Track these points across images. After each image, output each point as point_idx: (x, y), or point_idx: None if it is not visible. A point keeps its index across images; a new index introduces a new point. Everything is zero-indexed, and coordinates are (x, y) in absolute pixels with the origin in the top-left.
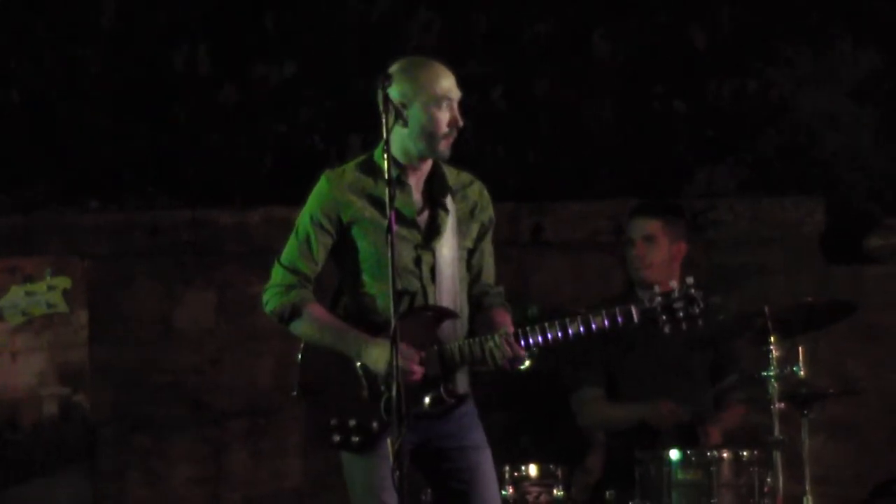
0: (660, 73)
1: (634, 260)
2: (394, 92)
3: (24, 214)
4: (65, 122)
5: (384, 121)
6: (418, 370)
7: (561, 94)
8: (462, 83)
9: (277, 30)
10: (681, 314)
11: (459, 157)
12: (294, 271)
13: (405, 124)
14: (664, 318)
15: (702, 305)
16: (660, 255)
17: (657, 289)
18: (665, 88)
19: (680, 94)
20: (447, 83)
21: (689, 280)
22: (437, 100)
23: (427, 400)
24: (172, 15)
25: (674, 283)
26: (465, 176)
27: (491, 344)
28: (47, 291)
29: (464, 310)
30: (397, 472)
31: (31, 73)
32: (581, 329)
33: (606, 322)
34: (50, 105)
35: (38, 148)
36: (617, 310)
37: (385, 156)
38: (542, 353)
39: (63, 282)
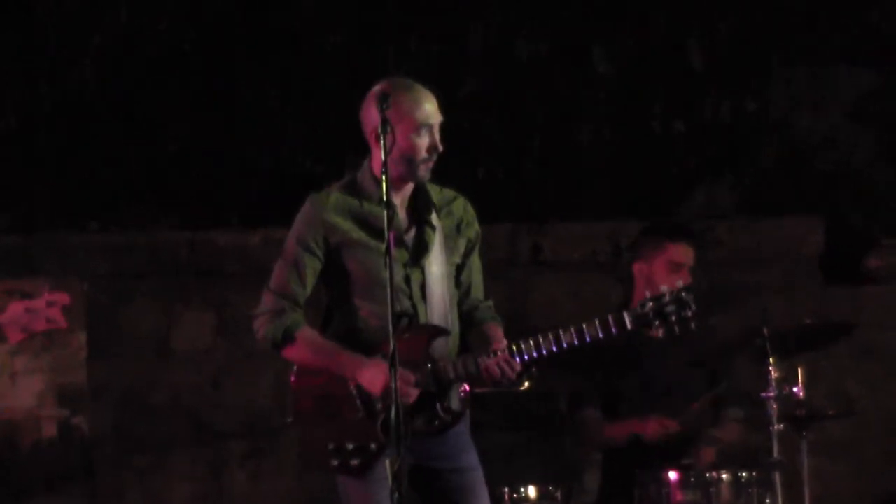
0: (658, 92)
1: (666, 278)
2: (375, 114)
3: (24, 235)
4: (63, 145)
5: (382, 143)
6: (413, 392)
7: (559, 113)
8: (459, 103)
9: (274, 51)
10: (673, 318)
11: (457, 177)
12: (284, 296)
13: None
14: (657, 322)
15: (694, 308)
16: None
17: (648, 293)
18: (663, 107)
19: (678, 113)
20: (428, 109)
21: (680, 283)
22: (418, 127)
23: (423, 418)
24: (170, 36)
25: (664, 288)
26: (449, 192)
27: (485, 358)
28: (46, 307)
29: (455, 326)
30: (396, 494)
31: (28, 97)
32: (574, 340)
33: (599, 331)
34: (48, 128)
35: (37, 169)
36: (609, 317)
37: (383, 178)
38: (540, 374)
39: (61, 297)
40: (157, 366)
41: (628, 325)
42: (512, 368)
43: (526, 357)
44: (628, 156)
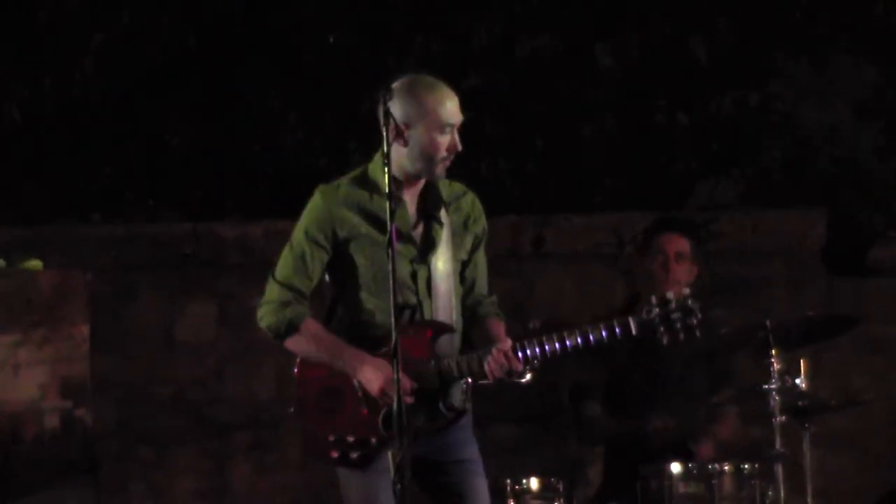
0: (662, 86)
1: (660, 273)
2: (396, 110)
3: (28, 227)
4: (67, 138)
5: (384, 135)
6: (409, 401)
7: (562, 108)
8: (463, 95)
9: (277, 45)
10: (678, 325)
11: (461, 170)
12: (289, 287)
13: (405, 144)
14: (662, 329)
15: (699, 316)
16: (685, 274)
17: (654, 300)
18: (667, 101)
19: (682, 106)
20: (451, 108)
21: (686, 291)
22: (441, 126)
23: (426, 416)
24: (173, 30)
25: (670, 295)
26: (458, 187)
27: (489, 358)
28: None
29: (458, 324)
30: (398, 486)
31: (32, 92)
32: (580, 342)
33: (605, 335)
34: (52, 121)
35: (41, 162)
36: (615, 322)
37: (385, 170)
38: (543, 367)
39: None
40: (160, 358)
41: (633, 332)
42: (515, 369)
43: (529, 355)
44: (632, 150)
